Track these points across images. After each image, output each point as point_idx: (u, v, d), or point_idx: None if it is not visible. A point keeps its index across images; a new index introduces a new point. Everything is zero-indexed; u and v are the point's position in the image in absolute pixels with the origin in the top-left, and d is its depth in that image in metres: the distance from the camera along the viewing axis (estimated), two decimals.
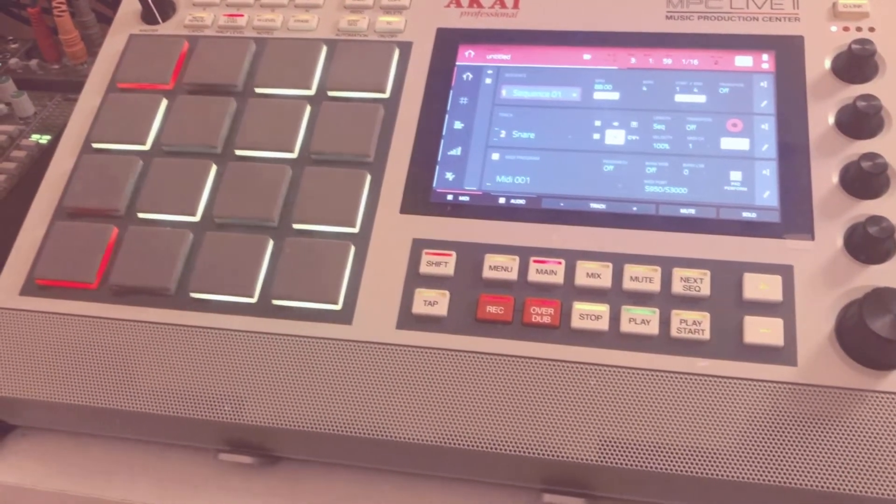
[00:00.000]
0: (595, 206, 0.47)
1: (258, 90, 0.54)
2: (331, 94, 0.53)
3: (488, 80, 0.53)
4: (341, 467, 0.48)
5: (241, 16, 0.57)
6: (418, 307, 0.46)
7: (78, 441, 0.51)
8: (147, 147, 0.53)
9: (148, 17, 0.58)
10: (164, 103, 0.54)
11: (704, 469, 0.40)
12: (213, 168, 0.51)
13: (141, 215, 0.50)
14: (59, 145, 0.55)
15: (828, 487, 0.39)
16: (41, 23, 0.70)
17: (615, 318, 0.44)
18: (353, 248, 0.48)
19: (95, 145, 0.54)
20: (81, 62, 0.71)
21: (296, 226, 0.49)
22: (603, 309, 0.44)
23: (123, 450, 0.50)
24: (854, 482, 0.39)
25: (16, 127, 0.67)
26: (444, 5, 0.56)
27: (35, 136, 0.66)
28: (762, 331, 0.43)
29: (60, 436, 0.51)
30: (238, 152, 0.52)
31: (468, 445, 0.42)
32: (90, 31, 0.72)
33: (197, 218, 0.50)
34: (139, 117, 0.54)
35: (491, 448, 0.42)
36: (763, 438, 0.41)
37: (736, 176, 0.47)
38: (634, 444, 0.41)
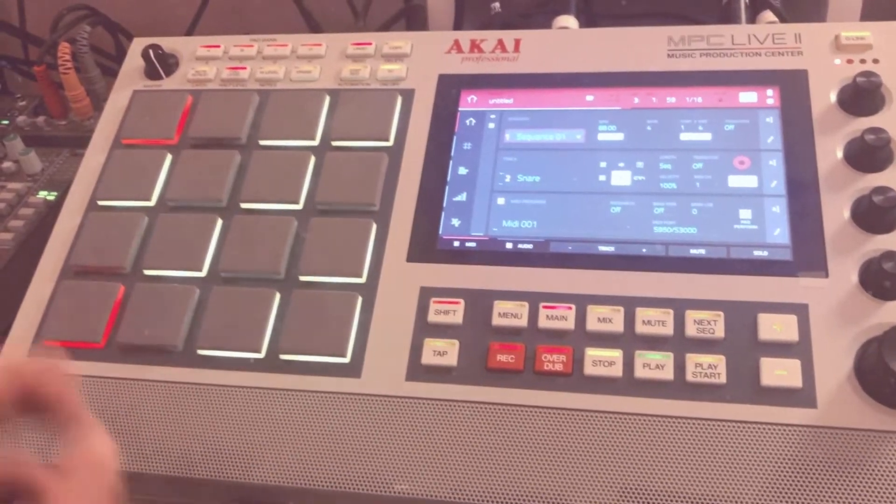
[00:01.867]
0: (604, 248, 0.47)
1: (262, 142, 0.54)
2: (335, 143, 0.53)
3: (491, 125, 0.53)
4: None
5: (244, 68, 0.57)
6: (427, 357, 0.45)
7: None
8: (152, 203, 0.53)
9: (151, 73, 0.59)
10: (168, 158, 0.54)
11: None
12: (219, 222, 0.51)
13: (147, 272, 0.50)
14: (66, 203, 0.55)
15: None
16: (47, 80, 0.70)
17: (629, 364, 0.43)
18: (360, 299, 0.47)
19: (101, 202, 0.54)
20: (88, 117, 0.72)
21: (302, 278, 0.48)
22: (616, 354, 0.43)
23: None
24: None
25: (24, 184, 0.67)
26: (445, 51, 0.56)
27: (42, 193, 0.67)
28: (779, 372, 0.42)
29: None
30: (243, 205, 0.52)
31: (483, 501, 0.41)
32: (95, 86, 0.72)
33: (203, 273, 0.50)
34: (144, 173, 0.54)
35: (508, 501, 0.41)
36: (784, 484, 0.39)
37: (745, 214, 0.47)
38: (654, 493, 0.40)
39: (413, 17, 0.68)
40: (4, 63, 0.81)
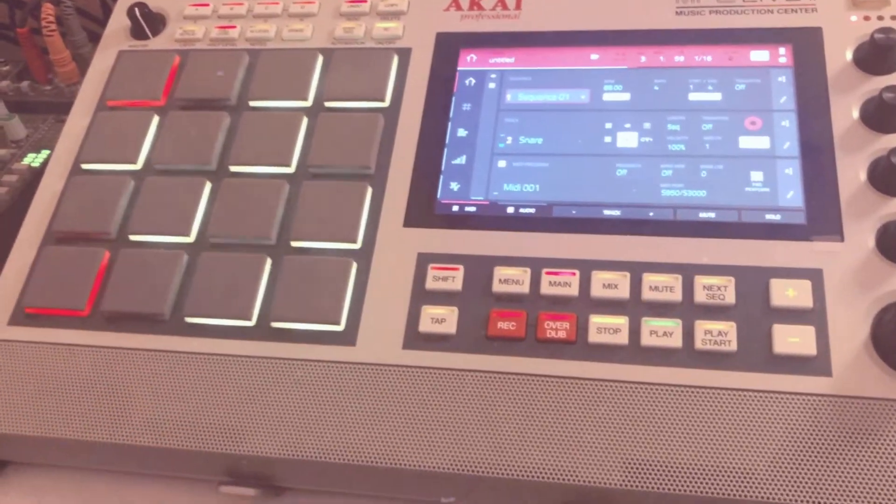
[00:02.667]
0: (609, 212, 0.45)
1: (252, 103, 0.52)
2: (328, 104, 0.51)
3: (492, 85, 0.50)
4: (348, 497, 0.45)
5: (234, 27, 0.55)
6: (425, 325, 0.43)
7: (74, 476, 0.49)
8: (138, 166, 0.51)
9: (137, 33, 0.56)
10: (155, 120, 0.52)
11: (737, 490, 0.38)
12: (208, 186, 0.49)
13: (133, 237, 0.48)
14: (48, 167, 0.53)
15: None
16: (31, 43, 0.68)
17: (635, 331, 0.41)
18: (355, 265, 0.45)
19: (85, 166, 0.51)
20: (73, 82, 0.69)
21: (294, 243, 0.47)
22: (622, 322, 0.41)
23: (122, 483, 0.48)
24: None
25: (7, 150, 0.65)
26: (444, 9, 0.54)
27: (28, 159, 0.65)
28: (792, 340, 0.40)
29: (56, 471, 0.49)
30: (233, 168, 0.49)
31: (483, 472, 0.40)
32: (81, 50, 0.70)
33: (191, 238, 0.48)
34: (130, 136, 0.51)
35: (508, 474, 0.40)
36: (799, 455, 0.38)
37: (757, 176, 0.45)
38: (661, 466, 0.38)
39: None
40: None
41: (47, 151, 0.65)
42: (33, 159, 0.65)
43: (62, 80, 0.69)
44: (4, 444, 0.47)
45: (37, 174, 0.63)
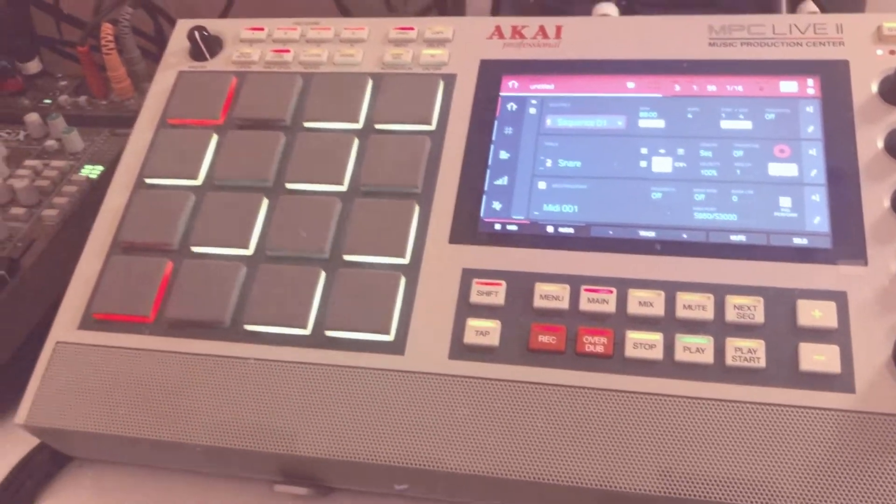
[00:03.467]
0: (644, 233, 0.48)
1: (306, 124, 0.55)
2: (378, 126, 0.54)
3: (532, 110, 0.53)
4: (395, 497, 0.48)
5: (288, 51, 0.58)
6: (470, 337, 0.46)
7: (133, 472, 0.52)
8: (199, 182, 0.54)
9: (196, 54, 0.60)
10: (214, 138, 0.55)
11: (765, 500, 0.40)
12: (265, 201, 0.52)
13: (194, 249, 0.51)
14: (113, 181, 0.56)
15: None
16: (90, 61, 0.72)
17: (669, 347, 0.44)
18: (403, 279, 0.48)
19: (148, 180, 0.55)
20: (128, 98, 0.73)
21: (347, 257, 0.49)
22: (656, 338, 0.44)
23: (179, 481, 0.51)
24: None
25: (66, 162, 0.69)
26: (487, 37, 0.57)
27: (85, 171, 0.68)
28: (818, 358, 0.42)
29: (116, 467, 0.52)
30: (288, 185, 0.53)
31: (523, 477, 0.42)
32: (136, 67, 0.73)
33: (250, 251, 0.51)
34: (191, 152, 0.55)
35: (548, 479, 0.42)
36: (823, 468, 0.40)
37: (785, 202, 0.47)
38: (694, 475, 0.41)
39: (452, 3, 0.69)
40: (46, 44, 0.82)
41: (101, 167, 0.68)
42: (91, 171, 0.68)
43: (118, 96, 0.73)
44: (71, 440, 0.50)
45: (94, 185, 0.66)
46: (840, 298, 0.44)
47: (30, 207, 0.64)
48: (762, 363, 0.43)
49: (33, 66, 0.76)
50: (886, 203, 0.46)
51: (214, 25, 0.61)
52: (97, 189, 0.66)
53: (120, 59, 0.71)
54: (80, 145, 0.70)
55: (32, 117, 0.71)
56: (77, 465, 0.53)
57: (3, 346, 0.56)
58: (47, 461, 0.52)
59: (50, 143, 0.70)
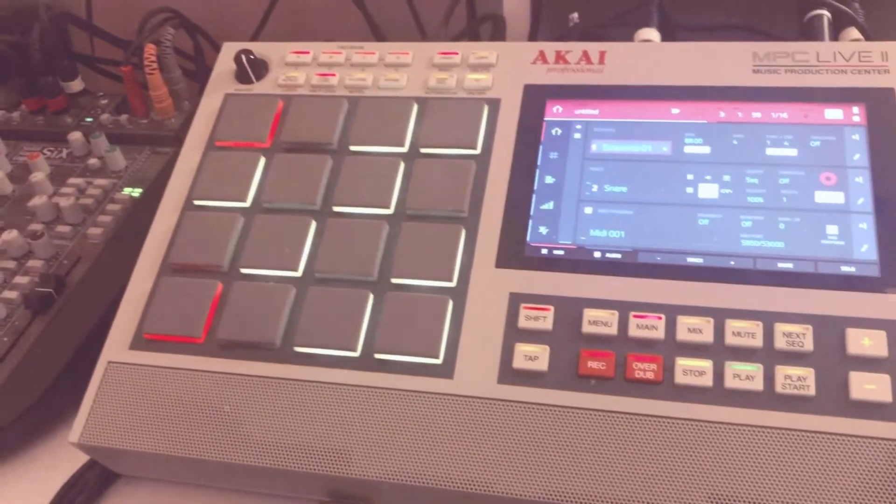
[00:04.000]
0: (692, 260, 0.48)
1: (353, 148, 0.55)
2: (423, 150, 0.55)
3: (577, 135, 0.54)
4: None
5: (333, 75, 0.59)
6: (519, 362, 0.46)
7: (181, 490, 0.53)
8: (248, 204, 0.55)
9: (242, 77, 0.61)
10: (262, 161, 0.56)
11: None
12: (313, 224, 0.53)
13: (244, 271, 0.52)
14: (162, 202, 0.57)
15: None
16: (133, 80, 0.73)
17: (719, 374, 0.44)
18: (451, 303, 0.49)
19: (197, 202, 0.56)
20: (169, 116, 0.74)
21: (394, 280, 0.50)
22: (706, 364, 0.44)
23: (226, 499, 0.51)
24: None
25: (109, 181, 0.70)
26: (531, 62, 0.57)
27: (127, 190, 0.69)
28: (868, 387, 0.43)
29: (164, 485, 0.53)
30: (336, 209, 0.53)
31: (572, 502, 0.43)
32: (177, 86, 0.74)
33: (299, 273, 0.51)
34: (239, 175, 0.55)
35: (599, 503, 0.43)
36: (873, 497, 0.40)
37: (832, 230, 0.48)
38: (743, 502, 0.41)
39: (494, 29, 0.70)
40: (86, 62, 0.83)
41: (143, 187, 0.69)
42: (133, 189, 0.69)
43: (159, 115, 0.74)
44: (121, 458, 0.51)
45: (137, 204, 0.67)
46: (890, 327, 0.44)
47: (75, 226, 0.65)
48: (812, 391, 0.43)
49: (76, 85, 0.78)
50: None
51: (260, 48, 0.62)
52: (140, 207, 0.67)
53: (161, 79, 0.72)
54: (123, 164, 0.71)
55: (76, 136, 0.72)
56: (125, 482, 0.54)
57: (52, 363, 0.57)
58: (97, 478, 0.53)
59: (92, 161, 0.71)
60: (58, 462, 0.54)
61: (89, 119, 0.76)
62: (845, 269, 0.46)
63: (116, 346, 0.52)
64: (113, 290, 0.61)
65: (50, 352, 0.57)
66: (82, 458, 0.53)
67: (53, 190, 0.69)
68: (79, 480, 0.52)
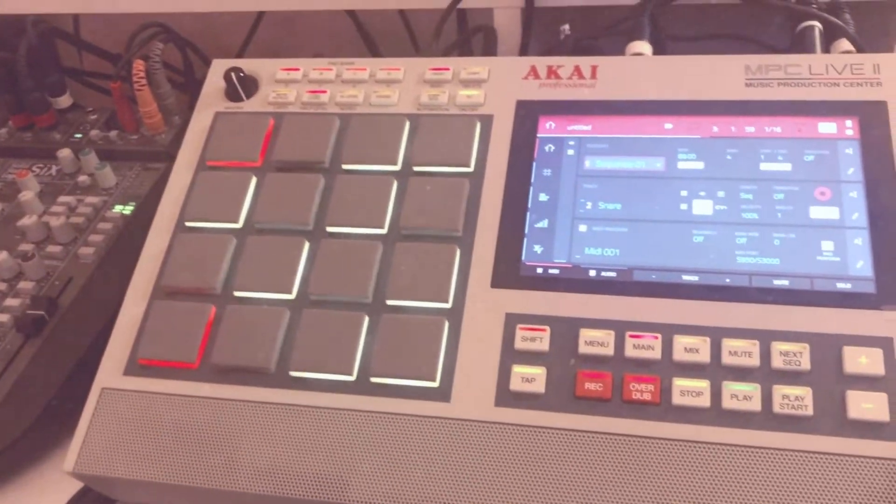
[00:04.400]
0: (687, 278, 0.48)
1: (345, 166, 0.55)
2: (416, 168, 0.54)
3: (570, 152, 0.54)
4: None
5: (324, 92, 0.59)
6: (516, 384, 0.46)
7: None
8: (240, 225, 0.54)
9: (232, 95, 0.60)
10: (253, 181, 0.56)
11: None
12: (306, 245, 0.52)
13: (237, 294, 0.52)
14: (154, 224, 0.56)
15: None
16: (122, 96, 0.72)
17: (716, 394, 0.44)
18: (447, 324, 0.49)
19: (189, 224, 0.55)
20: (159, 132, 0.73)
21: (389, 302, 0.50)
22: (703, 385, 0.44)
23: None
24: None
25: (100, 198, 0.69)
26: (522, 77, 0.57)
27: (118, 207, 0.68)
28: (866, 406, 0.43)
29: None
30: (329, 229, 0.53)
31: None
32: (166, 101, 0.74)
33: (293, 296, 0.51)
34: (230, 195, 0.55)
35: None
36: None
37: (828, 246, 0.47)
38: None
39: (485, 41, 0.69)
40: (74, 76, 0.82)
41: (133, 204, 0.69)
42: (124, 207, 0.68)
43: (149, 130, 0.73)
44: (117, 486, 0.50)
45: (129, 221, 0.67)
46: (886, 345, 0.44)
47: (66, 245, 0.65)
48: (810, 411, 0.43)
49: (64, 101, 0.77)
50: None
51: (249, 66, 0.61)
52: (132, 225, 0.66)
53: (151, 94, 0.72)
54: (113, 181, 0.70)
55: (65, 153, 0.72)
56: None
57: (45, 387, 0.57)
58: None
59: (82, 178, 0.71)
60: (51, 489, 0.53)
61: (78, 135, 0.76)
62: (841, 285, 0.46)
63: (110, 372, 0.51)
64: (106, 311, 0.60)
65: (42, 375, 0.57)
66: (76, 485, 0.53)
67: (43, 209, 0.68)
68: None
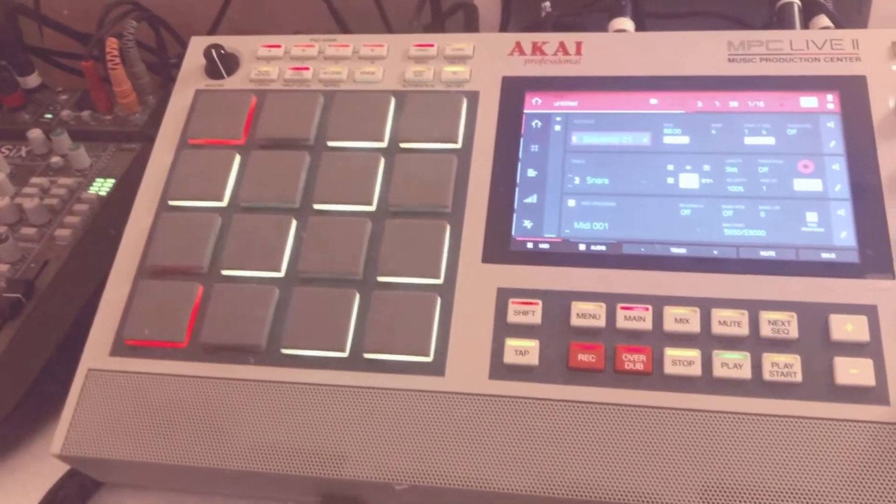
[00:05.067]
0: (676, 250, 0.48)
1: (331, 143, 0.55)
2: (403, 145, 0.54)
3: (557, 127, 0.54)
4: None
5: (307, 69, 0.58)
6: (509, 357, 0.46)
7: (164, 497, 0.52)
8: (225, 203, 0.54)
9: (213, 72, 0.59)
10: (237, 159, 0.55)
11: None
12: (294, 223, 0.52)
13: (225, 272, 0.51)
14: (136, 203, 0.55)
15: None
16: (95, 75, 0.70)
17: (707, 363, 0.45)
18: (439, 300, 0.49)
19: (172, 203, 0.54)
20: (134, 112, 0.72)
21: (380, 278, 0.50)
22: (694, 354, 0.45)
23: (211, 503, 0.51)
24: None
25: (74, 179, 0.67)
26: (507, 53, 0.57)
27: (94, 188, 0.67)
28: (853, 371, 0.44)
29: (147, 492, 0.52)
30: (316, 206, 0.52)
31: (567, 495, 0.43)
32: (141, 80, 0.72)
33: (282, 274, 0.51)
34: (214, 174, 0.54)
35: (591, 497, 0.43)
36: (859, 478, 0.42)
37: (812, 217, 0.48)
38: (735, 488, 0.42)
39: (466, 18, 0.69)
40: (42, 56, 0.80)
41: (112, 180, 0.67)
42: (100, 187, 0.67)
43: (124, 110, 0.72)
44: (104, 467, 0.50)
45: (105, 203, 0.65)
46: (871, 312, 0.45)
47: (40, 227, 0.63)
48: (799, 378, 0.44)
49: (32, 80, 0.75)
50: None
51: (230, 42, 0.60)
52: (109, 206, 0.65)
53: (125, 73, 0.70)
54: (87, 161, 0.69)
55: (36, 133, 0.70)
56: (108, 490, 0.53)
57: (25, 371, 0.56)
58: (78, 488, 0.51)
59: (55, 159, 0.69)
60: (36, 473, 0.52)
61: (49, 115, 0.74)
62: (826, 255, 0.47)
63: (96, 352, 0.50)
64: (85, 293, 0.59)
65: (22, 359, 0.56)
66: (62, 468, 0.52)
67: (14, 190, 0.66)
68: (59, 491, 0.51)
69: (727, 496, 0.42)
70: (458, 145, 0.54)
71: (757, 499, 0.42)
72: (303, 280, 0.50)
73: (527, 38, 0.57)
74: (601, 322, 0.47)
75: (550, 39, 0.57)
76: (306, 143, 0.55)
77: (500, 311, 0.48)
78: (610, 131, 0.53)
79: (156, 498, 0.52)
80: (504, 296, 0.48)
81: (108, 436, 0.48)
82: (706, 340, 0.45)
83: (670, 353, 0.45)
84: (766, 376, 0.44)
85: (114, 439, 0.48)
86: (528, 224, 0.51)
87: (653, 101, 0.54)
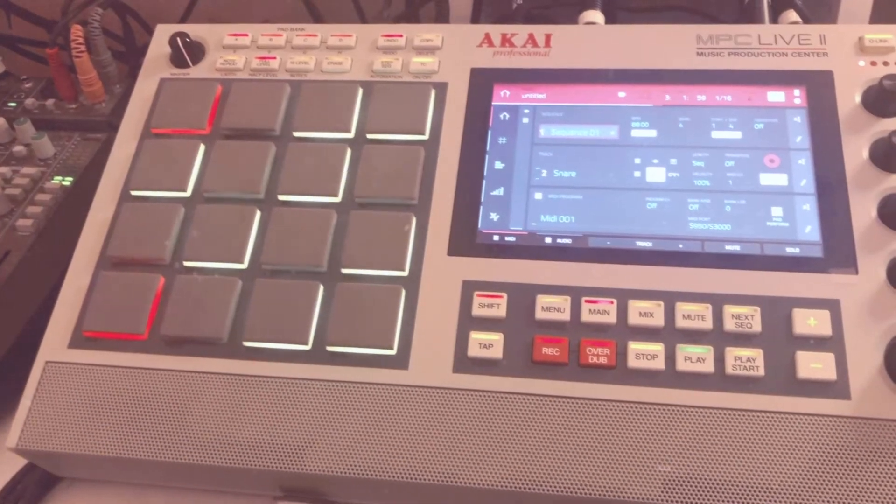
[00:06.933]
0: (641, 244, 0.48)
1: (297, 134, 0.54)
2: (370, 136, 0.53)
3: (525, 120, 0.53)
4: None
5: (274, 58, 0.57)
6: (474, 350, 0.46)
7: (124, 491, 0.51)
8: (188, 194, 0.53)
9: (178, 61, 0.58)
10: (201, 149, 0.54)
11: None
12: (258, 214, 0.51)
13: (187, 264, 0.50)
14: (98, 193, 0.54)
15: None
16: (59, 63, 0.69)
17: (671, 357, 0.45)
18: (404, 292, 0.48)
19: (135, 192, 0.53)
20: (99, 101, 0.71)
21: (345, 270, 0.49)
22: (658, 348, 0.45)
23: (176, 498, 0.50)
24: None
25: (37, 169, 0.66)
26: (477, 45, 0.56)
27: (58, 178, 0.66)
28: (814, 365, 0.44)
29: (107, 486, 0.51)
30: (281, 197, 0.52)
31: (530, 489, 0.43)
32: (107, 69, 0.71)
33: (245, 265, 0.50)
34: (178, 163, 0.53)
35: (554, 490, 0.43)
36: (820, 472, 0.42)
37: (777, 211, 0.48)
38: (697, 482, 0.42)
39: (437, 9, 0.68)
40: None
41: (74, 175, 0.66)
42: (63, 178, 0.66)
43: (89, 99, 0.71)
44: (63, 461, 0.49)
45: (69, 193, 0.64)
46: (833, 307, 0.45)
47: (2, 217, 0.62)
48: (761, 372, 0.44)
49: None
50: (873, 212, 0.47)
51: (196, 31, 0.59)
52: (72, 197, 0.64)
53: (90, 62, 0.69)
54: (51, 151, 0.68)
55: None
56: (67, 484, 0.52)
57: None
58: (36, 483, 0.51)
59: (18, 148, 0.68)
60: None
61: (13, 104, 0.73)
62: (790, 250, 0.47)
63: (54, 345, 0.49)
64: (47, 284, 0.58)
65: None
66: (20, 462, 0.51)
67: None
68: (17, 486, 0.50)
69: (689, 490, 0.42)
70: (426, 137, 0.53)
71: (718, 492, 0.42)
72: (266, 272, 0.50)
73: (496, 30, 0.57)
74: (566, 315, 0.46)
75: (520, 31, 0.56)
76: (272, 133, 0.54)
77: (465, 304, 0.48)
78: (578, 124, 0.53)
79: (115, 492, 0.51)
80: (469, 289, 0.48)
81: (65, 429, 0.47)
82: (670, 334, 0.45)
83: (634, 346, 0.45)
84: (729, 370, 0.44)
85: (71, 433, 0.47)
86: (494, 217, 0.50)
87: (621, 94, 0.53)
